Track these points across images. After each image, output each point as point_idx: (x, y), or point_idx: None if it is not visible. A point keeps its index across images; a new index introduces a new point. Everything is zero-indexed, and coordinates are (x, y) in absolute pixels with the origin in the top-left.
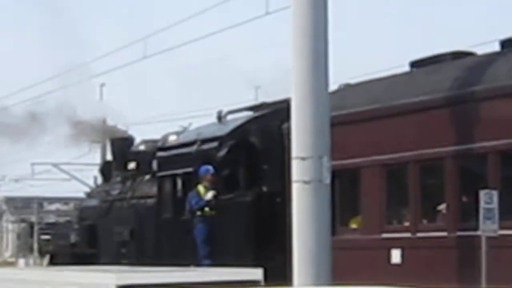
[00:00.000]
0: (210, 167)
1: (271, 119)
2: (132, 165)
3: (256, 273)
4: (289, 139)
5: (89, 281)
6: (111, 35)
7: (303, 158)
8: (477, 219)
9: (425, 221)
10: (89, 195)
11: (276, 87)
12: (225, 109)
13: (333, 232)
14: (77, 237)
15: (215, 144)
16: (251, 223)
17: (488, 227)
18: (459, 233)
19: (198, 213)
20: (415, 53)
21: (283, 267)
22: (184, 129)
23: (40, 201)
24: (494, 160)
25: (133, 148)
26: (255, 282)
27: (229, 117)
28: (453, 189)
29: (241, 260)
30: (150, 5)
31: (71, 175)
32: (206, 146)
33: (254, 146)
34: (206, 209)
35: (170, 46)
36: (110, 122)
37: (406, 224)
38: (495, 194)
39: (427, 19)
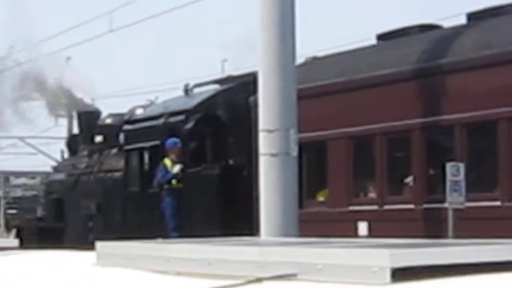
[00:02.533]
0: (177, 140)
1: (238, 92)
2: (99, 139)
3: (12, 242)
4: (256, 112)
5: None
6: (77, 9)
7: (270, 131)
8: (444, 192)
9: (392, 194)
10: (55, 169)
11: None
12: (192, 83)
13: (300, 205)
14: (43, 211)
15: (182, 117)
16: (218, 196)
17: (455, 199)
18: (426, 206)
19: (166, 186)
20: (382, 26)
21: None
22: (151, 103)
23: (7, 175)
24: (460, 133)
25: (100, 122)
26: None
27: (196, 90)
28: (420, 161)
29: (208, 232)
30: None
31: (37, 149)
32: (173, 119)
33: (221, 119)
34: (173, 182)
35: (136, 19)
36: (76, 94)
37: (373, 196)
38: (461, 166)
39: None
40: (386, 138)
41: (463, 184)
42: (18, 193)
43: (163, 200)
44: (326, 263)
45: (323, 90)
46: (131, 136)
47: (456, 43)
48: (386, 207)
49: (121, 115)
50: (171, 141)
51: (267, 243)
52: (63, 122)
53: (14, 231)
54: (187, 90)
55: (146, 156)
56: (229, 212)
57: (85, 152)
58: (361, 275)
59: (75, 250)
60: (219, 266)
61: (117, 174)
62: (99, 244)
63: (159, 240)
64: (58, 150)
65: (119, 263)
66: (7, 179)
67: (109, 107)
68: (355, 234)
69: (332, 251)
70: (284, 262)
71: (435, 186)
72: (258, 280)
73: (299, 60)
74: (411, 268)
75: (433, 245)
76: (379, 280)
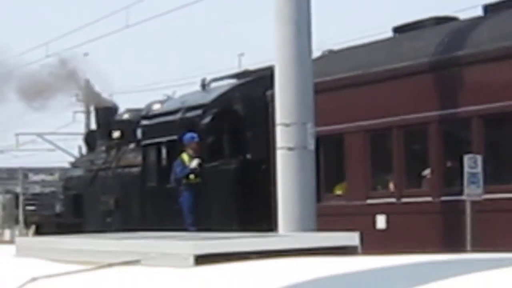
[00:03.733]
0: (194, 135)
1: (255, 87)
2: (116, 134)
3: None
4: (273, 106)
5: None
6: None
7: (287, 125)
8: (461, 184)
9: (409, 187)
10: (73, 165)
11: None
12: (209, 77)
13: (318, 199)
14: (62, 207)
15: (199, 112)
16: (236, 190)
17: (472, 192)
18: (443, 198)
19: (183, 181)
20: (398, 18)
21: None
22: (168, 98)
23: (25, 172)
24: (478, 125)
25: (117, 117)
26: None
27: (213, 85)
28: (438, 154)
29: (226, 227)
30: None
31: (55, 145)
32: (190, 114)
33: (238, 113)
34: (191, 177)
35: (153, 15)
36: (95, 87)
37: (391, 189)
38: (479, 158)
39: None
40: (403, 131)
41: (480, 176)
42: (37, 189)
43: (181, 195)
44: (157, 252)
45: (339, 84)
46: (149, 131)
47: (472, 35)
48: (404, 200)
49: (139, 110)
50: (188, 136)
51: (123, 237)
52: (81, 118)
53: (33, 228)
54: (204, 85)
55: (164, 151)
56: (247, 207)
57: (103, 148)
58: (176, 261)
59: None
60: (90, 255)
61: (135, 169)
62: (17, 239)
63: (73, 236)
64: (76, 146)
65: (32, 254)
66: (25, 176)
67: (126, 103)
68: (373, 227)
69: (159, 242)
70: (132, 252)
71: (452, 178)
72: (110, 265)
73: (316, 53)
74: (210, 255)
75: (229, 237)
76: (186, 264)
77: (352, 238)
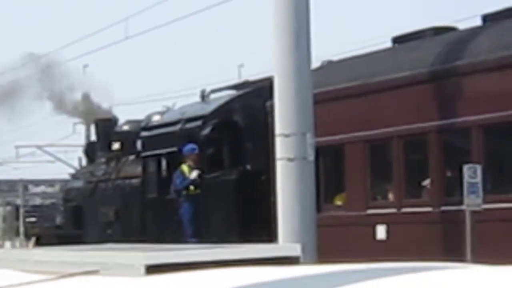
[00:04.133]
0: (194, 146)
1: (254, 97)
2: (116, 146)
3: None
4: (272, 117)
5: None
6: (93, 17)
7: (286, 135)
8: (461, 194)
9: (409, 197)
10: (73, 176)
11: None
12: (208, 88)
13: (318, 209)
14: (62, 219)
15: (198, 123)
16: (236, 201)
17: (472, 202)
18: (443, 208)
19: (184, 192)
20: (397, 28)
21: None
22: (168, 109)
23: (25, 184)
24: (477, 135)
25: (117, 129)
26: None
27: (213, 96)
28: (437, 164)
29: (227, 238)
30: None
31: (55, 156)
32: (190, 125)
33: (237, 124)
34: (191, 188)
35: (152, 26)
36: (94, 98)
37: (391, 200)
38: (479, 168)
39: None
40: (402, 141)
41: (480, 186)
42: (37, 201)
43: (181, 206)
44: (113, 262)
45: (339, 94)
46: (148, 143)
47: (471, 45)
48: (404, 210)
49: (138, 121)
50: (188, 147)
51: (85, 248)
52: (81, 129)
53: (33, 239)
54: (203, 96)
55: (164, 163)
56: (247, 218)
57: (103, 159)
58: (129, 271)
59: None
60: (54, 265)
61: (135, 181)
62: None
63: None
64: (76, 157)
65: (1, 265)
66: (26, 188)
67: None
68: (373, 238)
69: (114, 253)
70: (92, 262)
71: (452, 188)
72: (71, 274)
73: (315, 64)
74: (160, 265)
75: (178, 249)
76: (138, 273)
77: (294, 249)
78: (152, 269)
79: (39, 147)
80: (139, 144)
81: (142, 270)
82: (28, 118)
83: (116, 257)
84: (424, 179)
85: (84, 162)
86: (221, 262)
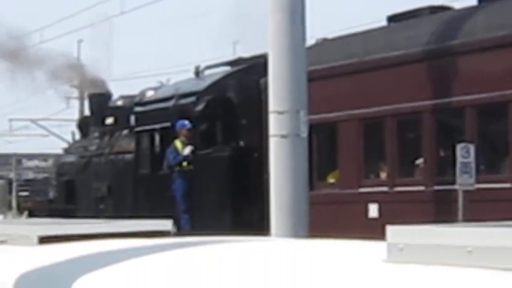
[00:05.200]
0: (186, 122)
1: (249, 74)
2: (110, 121)
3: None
4: (266, 94)
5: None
6: None
7: (280, 112)
8: (454, 173)
9: (402, 176)
10: (66, 151)
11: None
12: (202, 64)
13: (311, 187)
14: (55, 193)
15: (192, 99)
16: (229, 177)
17: (465, 181)
18: (436, 187)
19: (176, 168)
20: (392, 7)
21: (261, 221)
22: (162, 85)
23: (19, 158)
24: (471, 114)
25: (111, 104)
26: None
27: (207, 72)
28: (430, 143)
29: (219, 214)
30: None
31: (49, 131)
32: (183, 101)
33: (231, 101)
34: (184, 164)
35: (148, 1)
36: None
37: (383, 178)
38: (472, 148)
39: None
40: (396, 120)
41: (473, 166)
42: (30, 175)
43: (174, 182)
44: (16, 234)
45: (333, 72)
46: (142, 118)
47: (467, 25)
48: (397, 188)
49: (132, 97)
50: (180, 123)
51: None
52: (75, 104)
53: (26, 213)
54: (197, 72)
55: (157, 138)
56: (239, 194)
57: (96, 134)
58: (26, 241)
59: None
60: None
61: (128, 156)
62: None
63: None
64: (69, 132)
65: None
66: (19, 162)
67: (120, 89)
68: (366, 216)
69: (17, 226)
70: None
71: (445, 167)
72: None
73: (310, 41)
74: (51, 236)
75: (69, 223)
76: (32, 243)
77: (165, 224)
78: (44, 239)
79: (33, 120)
80: (132, 120)
81: (35, 240)
82: (22, 91)
83: (17, 229)
84: (417, 158)
85: (77, 136)
86: (102, 235)
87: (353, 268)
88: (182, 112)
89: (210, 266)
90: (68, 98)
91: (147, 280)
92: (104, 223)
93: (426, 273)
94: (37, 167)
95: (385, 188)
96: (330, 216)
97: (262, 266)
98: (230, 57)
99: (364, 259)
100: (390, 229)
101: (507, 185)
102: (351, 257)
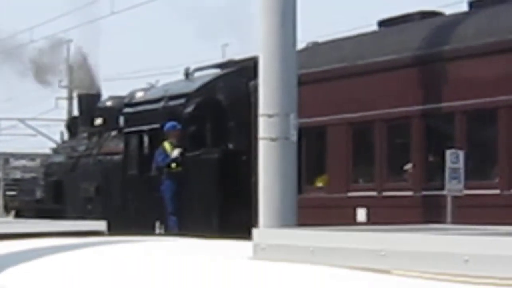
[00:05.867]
0: (175, 123)
1: (238, 77)
2: (98, 121)
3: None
4: (256, 97)
5: None
6: None
7: (269, 116)
8: (442, 179)
9: (391, 181)
10: (55, 151)
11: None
12: (192, 67)
13: (299, 191)
14: (43, 193)
15: (182, 101)
16: (217, 180)
17: (453, 187)
18: (424, 193)
19: (165, 170)
20: (383, 12)
21: (249, 224)
22: (151, 86)
23: (6, 157)
24: (460, 120)
25: (100, 104)
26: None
27: (196, 74)
28: (420, 148)
29: (207, 216)
30: None
31: (37, 130)
32: (173, 103)
33: (221, 103)
34: (173, 165)
35: (138, 2)
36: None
37: (372, 183)
38: (461, 153)
39: None
40: (386, 125)
41: (462, 172)
42: (18, 175)
43: (163, 183)
44: None
45: (323, 76)
46: (131, 119)
47: (457, 30)
48: (385, 193)
49: (121, 98)
50: (170, 124)
51: None
52: (64, 104)
53: (13, 213)
54: (187, 74)
55: (146, 139)
56: (228, 197)
57: (85, 135)
58: None
59: None
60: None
61: (117, 157)
62: None
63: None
64: (58, 132)
65: None
66: (6, 161)
67: (109, 90)
68: (354, 220)
69: None
70: None
71: (434, 173)
72: None
73: (300, 45)
74: None
75: (8, 222)
76: None
77: (100, 225)
78: None
79: (21, 120)
80: (121, 120)
81: None
82: (11, 90)
83: None
84: (406, 163)
85: (66, 136)
86: (40, 234)
87: (221, 264)
88: (171, 113)
89: (91, 261)
90: (57, 99)
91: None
92: (43, 223)
93: (282, 269)
94: (24, 166)
95: (373, 193)
96: (318, 220)
97: (138, 263)
98: (220, 59)
99: (233, 256)
100: (255, 231)
101: (496, 191)
102: (222, 255)
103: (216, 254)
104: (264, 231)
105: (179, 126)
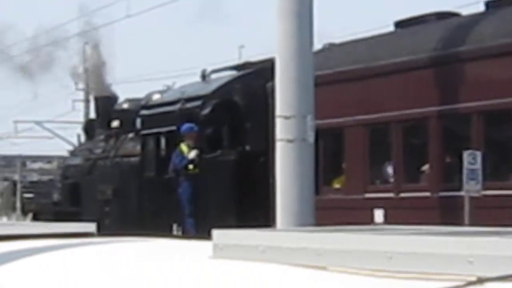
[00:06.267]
0: (193, 125)
1: (255, 78)
2: (115, 123)
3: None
4: (273, 98)
5: None
6: None
7: (286, 117)
8: (460, 180)
9: (408, 181)
10: (72, 153)
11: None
12: (209, 68)
13: (317, 192)
14: (60, 196)
15: (198, 103)
16: (235, 182)
17: (471, 188)
18: (442, 194)
19: (183, 171)
20: (400, 13)
21: (267, 226)
22: (168, 88)
23: (23, 160)
24: (478, 121)
25: (117, 106)
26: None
27: (213, 76)
28: (437, 149)
29: (224, 218)
30: None
31: (54, 133)
32: (189, 105)
33: (237, 105)
34: (190, 167)
35: (154, 5)
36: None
37: (389, 184)
38: (478, 154)
39: None
40: (402, 126)
41: (480, 172)
42: (35, 177)
43: (180, 185)
44: None
45: (340, 77)
46: (148, 121)
47: (474, 31)
48: (402, 194)
49: (138, 100)
50: (187, 126)
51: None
52: (80, 106)
53: (30, 215)
54: (204, 76)
55: (163, 141)
56: (245, 199)
57: (102, 137)
58: None
59: None
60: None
61: (133, 159)
62: None
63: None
64: (75, 134)
65: None
66: (23, 164)
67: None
68: (371, 222)
69: None
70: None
71: (451, 174)
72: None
73: (317, 46)
74: None
75: (6, 224)
76: None
77: (90, 227)
78: None
79: (38, 122)
80: (138, 123)
81: None
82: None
83: None
84: (423, 164)
85: (82, 139)
86: (35, 236)
87: (183, 262)
88: (188, 115)
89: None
90: (74, 101)
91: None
92: (35, 226)
93: (235, 267)
94: (41, 169)
95: (390, 194)
96: (335, 221)
97: (98, 265)
98: (236, 61)
99: (195, 255)
100: (214, 232)
101: None
102: (186, 254)
103: (180, 253)
104: (222, 232)
105: (196, 128)
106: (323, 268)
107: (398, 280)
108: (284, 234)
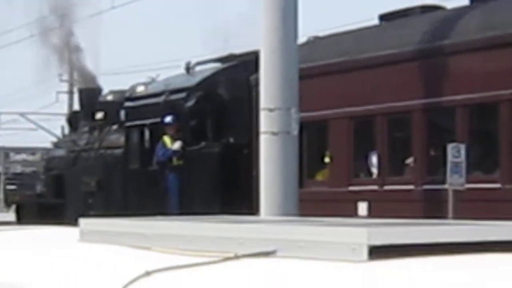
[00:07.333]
0: (172, 117)
1: (239, 71)
2: (99, 115)
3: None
4: (257, 91)
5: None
6: None
7: (271, 110)
8: (444, 173)
9: (392, 174)
10: (56, 145)
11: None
12: (193, 61)
13: (300, 184)
14: (43, 187)
15: (183, 95)
16: (218, 174)
17: (455, 181)
18: (426, 187)
19: (167, 164)
20: (384, 6)
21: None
22: (152, 80)
23: (7, 151)
24: (462, 114)
25: (101, 98)
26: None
27: (197, 68)
28: (421, 142)
29: (208, 209)
30: None
31: (38, 124)
32: (174, 97)
33: (222, 97)
34: (174, 159)
35: None
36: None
37: (373, 177)
38: (462, 147)
39: None
40: (387, 119)
41: (463, 166)
42: (18, 169)
43: (166, 178)
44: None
45: (324, 70)
46: (132, 113)
47: (458, 25)
48: (386, 187)
49: (122, 92)
50: (168, 118)
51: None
52: (64, 98)
53: (13, 207)
54: (188, 68)
55: (147, 133)
56: (229, 191)
57: (86, 129)
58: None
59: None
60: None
61: (118, 151)
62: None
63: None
64: (59, 126)
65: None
66: (7, 155)
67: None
68: (355, 214)
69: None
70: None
71: (435, 167)
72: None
73: (301, 39)
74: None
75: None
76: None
77: (10, 216)
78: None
79: (21, 114)
80: (122, 114)
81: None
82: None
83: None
84: (407, 157)
85: (66, 130)
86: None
87: (54, 244)
88: (172, 107)
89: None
90: (58, 93)
91: None
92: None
93: (95, 248)
94: (25, 160)
95: (374, 187)
96: (319, 213)
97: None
98: (221, 53)
99: (66, 239)
100: (81, 220)
101: (497, 185)
102: (57, 238)
103: (53, 238)
104: (87, 220)
105: (175, 119)
106: (148, 248)
107: (181, 256)
108: (127, 221)
